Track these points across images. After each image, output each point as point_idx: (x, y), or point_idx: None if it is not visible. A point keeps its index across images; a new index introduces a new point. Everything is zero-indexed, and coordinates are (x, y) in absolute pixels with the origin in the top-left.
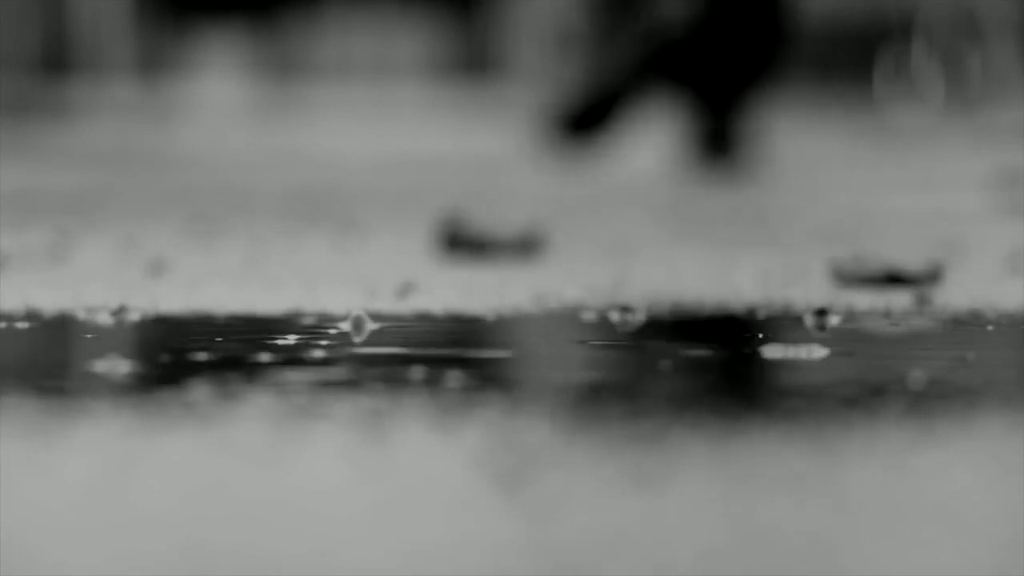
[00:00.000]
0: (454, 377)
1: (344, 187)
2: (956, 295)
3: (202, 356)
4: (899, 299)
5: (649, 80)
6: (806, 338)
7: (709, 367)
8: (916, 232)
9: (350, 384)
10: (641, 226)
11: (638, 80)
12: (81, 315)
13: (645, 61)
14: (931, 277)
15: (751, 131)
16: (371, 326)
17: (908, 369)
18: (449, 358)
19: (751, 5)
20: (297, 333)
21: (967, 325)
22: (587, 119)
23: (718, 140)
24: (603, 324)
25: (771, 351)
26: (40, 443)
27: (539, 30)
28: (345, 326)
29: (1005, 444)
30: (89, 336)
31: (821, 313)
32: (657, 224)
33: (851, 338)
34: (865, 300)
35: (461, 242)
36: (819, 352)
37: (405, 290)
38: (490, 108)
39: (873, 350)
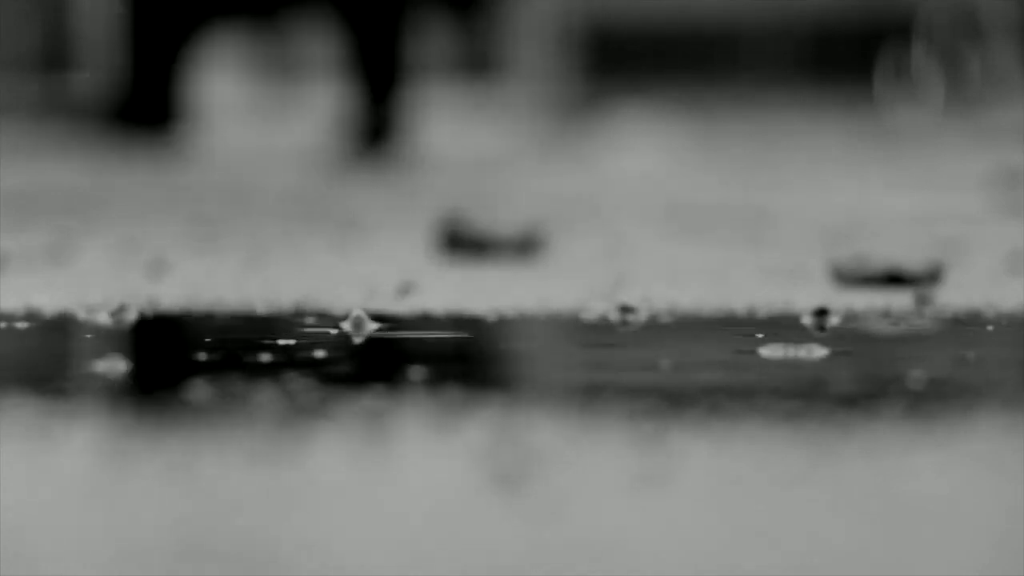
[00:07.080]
0: (454, 377)
1: (344, 187)
2: (956, 295)
3: (202, 356)
4: (899, 299)
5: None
6: (806, 338)
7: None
8: (916, 232)
9: (350, 384)
10: (641, 226)
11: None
12: (81, 315)
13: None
14: (931, 277)
15: (397, 119)
16: (371, 326)
17: (908, 369)
18: (449, 358)
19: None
20: (297, 333)
21: (967, 325)
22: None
23: (373, 126)
24: (603, 324)
25: (771, 351)
26: (40, 443)
27: (539, 30)
28: (345, 326)
29: (1005, 444)
30: (89, 336)
31: (821, 313)
32: (657, 224)
33: (851, 338)
34: (865, 300)
35: (461, 242)
36: (819, 352)
37: (405, 290)
38: (491, 108)
39: (873, 350)
